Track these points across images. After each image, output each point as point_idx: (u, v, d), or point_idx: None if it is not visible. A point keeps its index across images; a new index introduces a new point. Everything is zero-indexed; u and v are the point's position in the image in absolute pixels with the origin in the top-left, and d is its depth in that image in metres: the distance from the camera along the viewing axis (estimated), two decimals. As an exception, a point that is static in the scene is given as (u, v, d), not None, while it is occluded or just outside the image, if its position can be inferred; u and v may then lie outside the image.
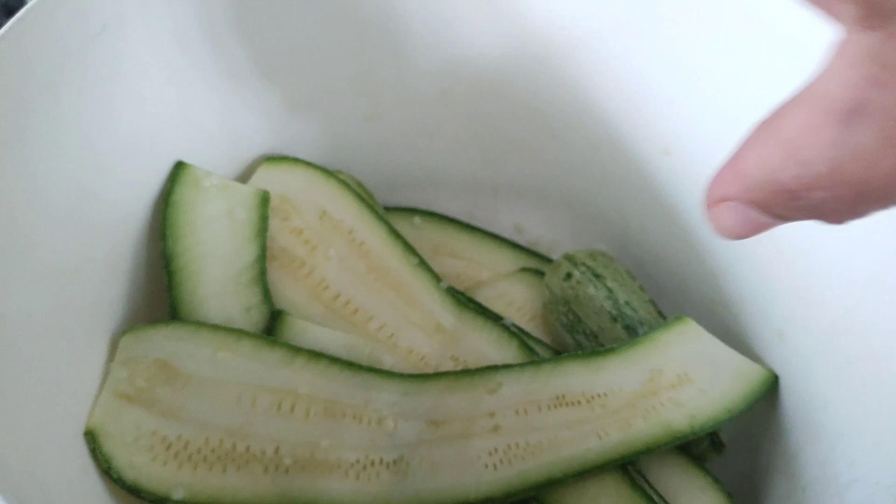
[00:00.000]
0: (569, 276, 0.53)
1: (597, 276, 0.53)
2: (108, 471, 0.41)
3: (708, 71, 0.47)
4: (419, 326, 0.51)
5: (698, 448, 0.47)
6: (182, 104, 0.48)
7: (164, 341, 0.45)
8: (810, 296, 0.45)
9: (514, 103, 0.55)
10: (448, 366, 0.50)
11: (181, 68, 0.47)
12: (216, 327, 0.46)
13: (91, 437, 0.41)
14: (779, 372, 0.47)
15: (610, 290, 0.52)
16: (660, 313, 0.52)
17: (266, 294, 0.49)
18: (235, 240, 0.49)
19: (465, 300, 0.53)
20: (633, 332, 0.50)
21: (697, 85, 0.48)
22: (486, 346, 0.50)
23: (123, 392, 0.43)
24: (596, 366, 0.47)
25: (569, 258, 0.54)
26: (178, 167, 0.49)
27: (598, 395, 0.46)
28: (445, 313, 0.52)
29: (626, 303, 0.52)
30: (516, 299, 0.55)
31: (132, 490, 0.41)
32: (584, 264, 0.54)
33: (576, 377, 0.47)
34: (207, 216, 0.49)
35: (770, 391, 0.47)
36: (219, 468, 0.43)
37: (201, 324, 0.47)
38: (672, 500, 0.44)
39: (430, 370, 0.49)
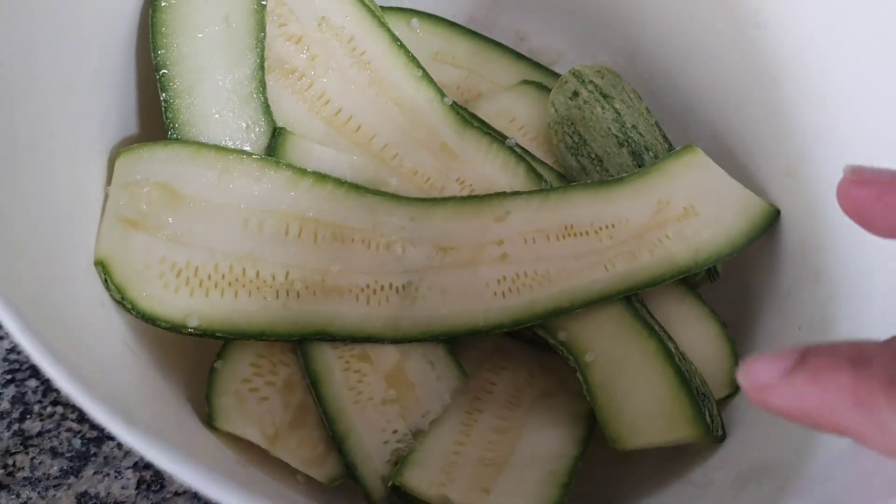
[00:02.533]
0: (575, 94, 0.52)
1: (604, 95, 0.51)
2: (121, 301, 0.41)
3: None
4: (423, 145, 0.50)
5: (694, 276, 0.49)
6: None
7: (164, 163, 0.43)
8: (828, 134, 0.45)
9: None
10: (454, 189, 0.49)
11: None
12: (218, 148, 0.44)
13: (102, 268, 0.40)
14: (781, 209, 0.48)
15: (617, 112, 0.51)
16: (665, 138, 0.52)
17: (266, 109, 0.47)
18: (232, 49, 0.46)
19: (468, 116, 0.51)
20: (638, 158, 0.50)
21: None
22: (492, 169, 0.50)
23: (126, 217, 0.42)
24: (605, 195, 0.47)
25: (576, 74, 0.52)
26: (165, -34, 0.44)
27: (606, 227, 0.47)
28: (449, 131, 0.50)
29: (633, 126, 0.51)
30: (519, 116, 0.54)
31: (147, 319, 0.41)
32: (591, 82, 0.52)
33: (584, 207, 0.47)
34: (200, 22, 0.45)
35: (771, 226, 0.48)
36: (230, 294, 0.43)
37: (202, 144, 0.44)
38: (670, 328, 0.46)
39: (435, 193, 0.49)
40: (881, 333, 0.38)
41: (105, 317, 0.40)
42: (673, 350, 0.45)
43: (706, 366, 0.46)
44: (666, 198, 0.47)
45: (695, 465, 0.43)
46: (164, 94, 0.44)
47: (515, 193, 0.47)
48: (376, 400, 0.44)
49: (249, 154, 0.44)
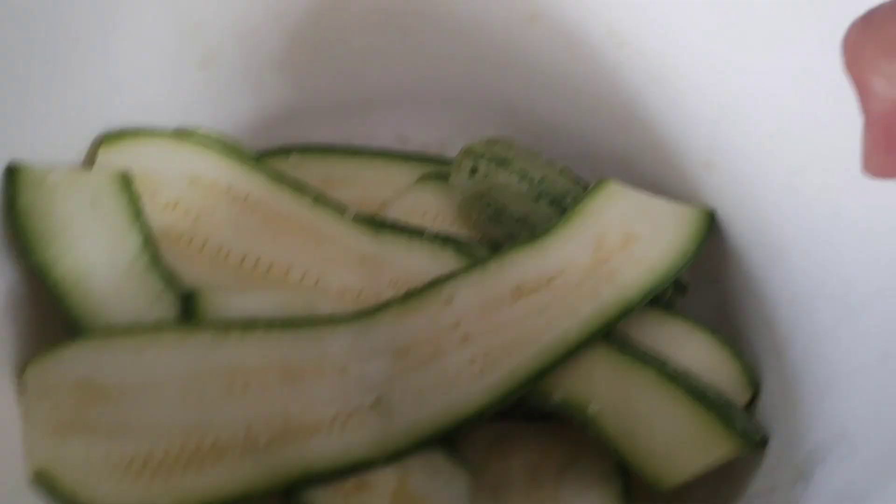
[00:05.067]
0: (474, 170, 0.50)
1: (502, 161, 0.50)
2: (74, 510, 0.35)
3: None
4: (341, 263, 0.47)
5: (664, 297, 0.46)
6: None
7: (77, 360, 0.39)
8: (738, 116, 0.45)
9: (363, 6, 0.51)
10: (389, 294, 0.46)
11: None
12: (127, 329, 0.40)
13: (43, 480, 0.35)
14: (714, 204, 0.48)
15: (521, 173, 0.50)
16: (578, 180, 0.51)
17: (168, 277, 0.43)
18: (110, 231, 0.43)
19: (378, 223, 0.49)
20: (558, 205, 0.49)
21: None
22: (420, 261, 0.47)
23: (53, 426, 0.37)
24: (539, 249, 0.45)
25: (467, 152, 0.51)
26: (11, 172, 0.40)
27: (555, 276, 0.44)
28: (363, 241, 0.48)
29: (542, 179, 0.50)
30: (429, 209, 0.52)
31: (107, 525, 0.35)
32: (483, 155, 0.51)
33: (525, 266, 0.45)
34: (67, 215, 0.42)
35: (712, 226, 0.47)
36: (193, 469, 0.38)
37: (109, 330, 0.40)
38: (662, 352, 0.44)
39: (371, 303, 0.45)
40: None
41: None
42: (675, 370, 0.42)
43: (714, 376, 0.43)
44: (601, 233, 0.46)
45: (750, 478, 0.40)
46: (54, 295, 0.40)
47: (452, 274, 0.44)
48: (389, 529, 0.39)
49: (162, 325, 0.41)
